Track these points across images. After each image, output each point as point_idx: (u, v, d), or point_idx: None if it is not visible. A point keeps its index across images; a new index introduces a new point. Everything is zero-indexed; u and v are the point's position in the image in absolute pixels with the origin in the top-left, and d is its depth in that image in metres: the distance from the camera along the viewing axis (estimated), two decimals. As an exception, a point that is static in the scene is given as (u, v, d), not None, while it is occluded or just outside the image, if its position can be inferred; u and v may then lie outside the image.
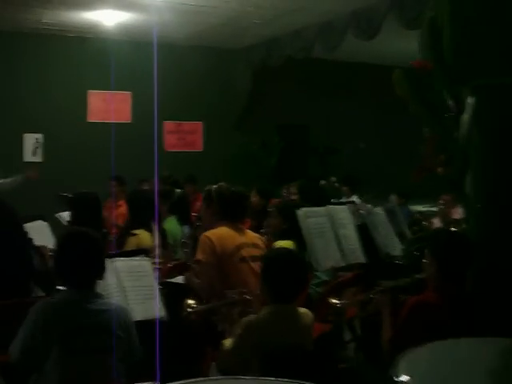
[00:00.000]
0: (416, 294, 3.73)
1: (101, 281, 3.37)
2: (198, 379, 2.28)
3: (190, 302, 4.08)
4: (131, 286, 4.10)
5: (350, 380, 4.01)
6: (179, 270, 5.44)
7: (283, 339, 3.41)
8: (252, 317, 3.53)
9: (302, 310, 3.63)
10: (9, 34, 11.45)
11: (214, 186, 4.80)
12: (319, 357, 3.58)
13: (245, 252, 4.57)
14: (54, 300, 3.28)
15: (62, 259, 3.31)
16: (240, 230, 4.71)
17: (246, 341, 3.41)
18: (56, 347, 3.06)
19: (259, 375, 3.16)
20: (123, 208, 9.09)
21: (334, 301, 4.63)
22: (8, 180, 6.87)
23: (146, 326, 3.62)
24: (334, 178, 10.82)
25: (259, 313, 3.54)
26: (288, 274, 3.50)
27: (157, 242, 5.76)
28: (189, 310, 4.03)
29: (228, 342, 3.54)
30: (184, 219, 7.12)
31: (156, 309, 4.10)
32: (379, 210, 6.07)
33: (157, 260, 4.69)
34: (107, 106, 12.23)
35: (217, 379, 2.39)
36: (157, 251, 5.60)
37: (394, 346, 3.43)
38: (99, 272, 3.33)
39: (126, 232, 5.90)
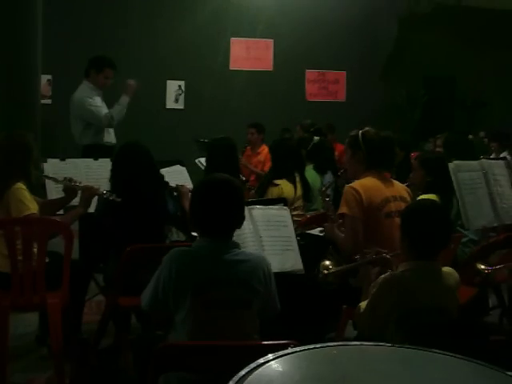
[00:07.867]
0: None
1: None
2: (334, 344, 2.08)
3: (327, 263, 3.88)
4: (268, 235, 3.95)
5: (502, 353, 3.58)
6: (317, 221, 5.22)
7: (423, 299, 3.10)
8: (389, 274, 3.24)
9: (447, 269, 3.29)
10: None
11: (361, 131, 4.37)
12: (466, 324, 3.25)
13: (392, 206, 4.22)
14: (188, 249, 3.09)
15: (199, 208, 3.07)
16: (387, 181, 4.33)
17: (382, 300, 3.12)
18: (189, 298, 2.89)
19: (396, 338, 2.90)
20: (261, 155, 9.04)
21: (482, 267, 4.29)
22: (117, 106, 6.84)
23: (281, 279, 3.44)
24: (482, 133, 10.26)
25: (397, 269, 3.26)
26: (431, 226, 3.16)
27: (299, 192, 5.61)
28: (325, 271, 3.84)
29: (364, 304, 3.28)
30: (322, 167, 6.92)
31: (293, 261, 3.94)
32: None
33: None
34: (249, 54, 12.10)
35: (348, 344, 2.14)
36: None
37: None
38: (238, 221, 3.11)
39: (267, 182, 5.81)
